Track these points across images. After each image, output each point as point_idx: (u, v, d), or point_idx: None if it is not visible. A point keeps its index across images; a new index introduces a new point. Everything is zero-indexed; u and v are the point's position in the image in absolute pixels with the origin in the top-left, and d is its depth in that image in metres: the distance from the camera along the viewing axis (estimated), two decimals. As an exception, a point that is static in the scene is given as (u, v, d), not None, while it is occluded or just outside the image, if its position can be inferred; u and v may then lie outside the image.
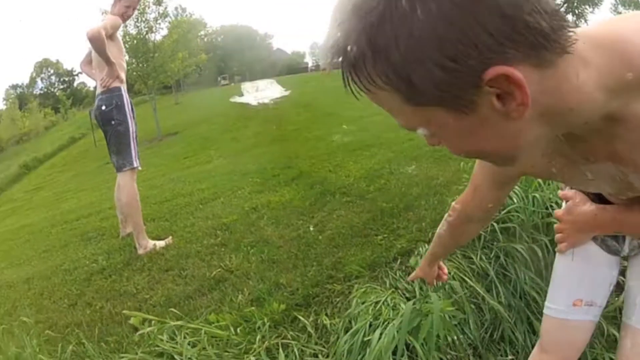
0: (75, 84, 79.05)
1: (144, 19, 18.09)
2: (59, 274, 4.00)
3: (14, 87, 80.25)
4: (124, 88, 3.91)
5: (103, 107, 3.84)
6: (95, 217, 6.10)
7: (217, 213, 4.48)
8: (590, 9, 42.58)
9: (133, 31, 18.11)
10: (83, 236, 5.18)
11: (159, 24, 18.82)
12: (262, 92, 31.43)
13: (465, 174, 3.94)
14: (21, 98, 66.58)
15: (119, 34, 4.10)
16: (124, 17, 4.01)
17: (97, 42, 3.59)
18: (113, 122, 3.84)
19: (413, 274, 1.62)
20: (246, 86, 39.12)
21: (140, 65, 18.48)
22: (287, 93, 25.94)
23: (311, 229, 3.43)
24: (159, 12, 18.50)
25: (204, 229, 4.06)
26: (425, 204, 3.50)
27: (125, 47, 18.89)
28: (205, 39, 78.02)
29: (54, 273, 4.06)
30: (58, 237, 5.68)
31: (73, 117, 49.90)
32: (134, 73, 18.44)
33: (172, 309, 2.54)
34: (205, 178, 6.71)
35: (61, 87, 78.29)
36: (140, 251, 3.78)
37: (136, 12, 19.99)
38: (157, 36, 18.95)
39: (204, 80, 74.69)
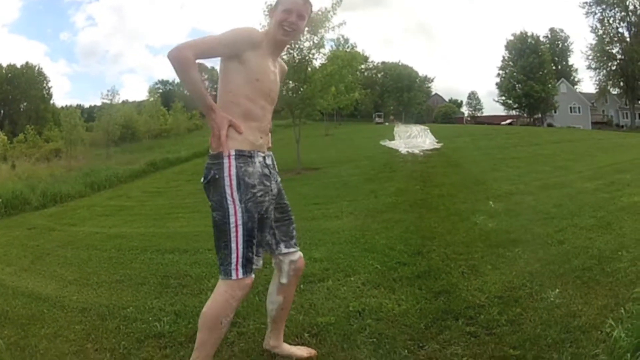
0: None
1: (297, 46, 17.98)
2: (116, 319, 3.90)
3: (164, 83, 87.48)
4: (231, 153, 2.66)
5: (202, 179, 2.75)
6: (188, 257, 5.99)
7: (316, 304, 4.03)
8: None
9: (285, 57, 17.96)
10: (163, 278, 5.11)
11: (313, 54, 18.57)
12: (414, 139, 31.20)
13: (611, 313, 3.40)
14: (169, 95, 72.26)
15: (274, 60, 2.93)
16: (283, 29, 2.83)
17: (173, 64, 2.57)
18: (210, 204, 2.74)
19: None
20: (399, 130, 39.09)
21: (289, 94, 18.56)
22: (438, 146, 25.39)
23: (415, 370, 2.95)
24: (313, 42, 18.27)
25: (291, 326, 3.55)
26: (557, 358, 2.95)
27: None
28: (366, 74, 79.62)
29: (112, 315, 4.00)
30: (141, 268, 5.70)
31: (219, 125, 52.96)
32: (282, 100, 18.75)
33: None
34: (324, 242, 6.37)
35: (213, 93, 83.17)
36: None
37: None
38: (312, 65, 18.86)
39: (360, 114, 76.32)
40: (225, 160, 2.63)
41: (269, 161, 2.85)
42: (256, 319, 3.73)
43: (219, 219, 2.65)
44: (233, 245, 2.61)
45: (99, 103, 49.34)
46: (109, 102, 44.38)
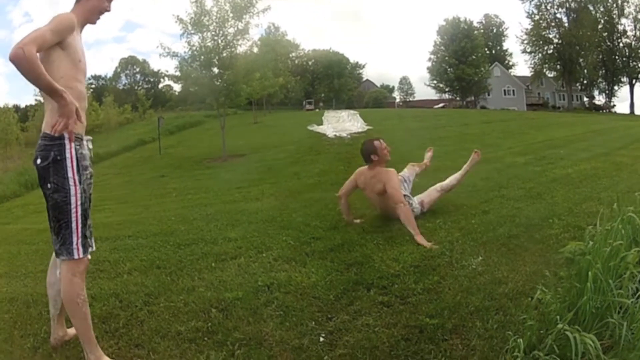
0: (160, 86, 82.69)
1: (222, 32, 18.20)
2: (39, 305, 3.89)
3: (96, 78, 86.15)
4: (66, 135, 2.75)
5: (38, 161, 2.78)
6: (108, 244, 5.90)
7: (225, 281, 3.99)
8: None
9: (210, 44, 18.30)
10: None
11: (237, 39, 18.71)
12: (342, 123, 31.21)
13: (542, 279, 3.26)
14: (101, 90, 71.11)
15: (81, 39, 3.00)
16: (98, 16, 3.07)
17: (22, 64, 2.47)
18: (49, 186, 2.78)
19: None
20: (328, 115, 39.09)
21: (213, 80, 18.63)
22: (367, 128, 25.46)
23: (321, 339, 2.84)
24: (237, 28, 18.39)
25: (199, 302, 3.57)
26: (481, 326, 2.80)
27: (199, 59, 19.24)
28: (297, 61, 80.00)
29: (36, 302, 4.01)
30: (67, 256, 5.63)
31: (149, 119, 52.41)
32: (206, 88, 18.75)
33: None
34: (241, 222, 6.26)
35: (145, 86, 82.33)
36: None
37: (214, 24, 20.86)
38: (237, 51, 19.02)
39: (290, 102, 76.27)
40: (67, 142, 2.74)
41: (90, 145, 2.99)
42: (167, 297, 3.75)
43: (60, 200, 2.76)
44: (73, 225, 2.76)
45: (33, 102, 49.08)
46: (42, 100, 43.28)
